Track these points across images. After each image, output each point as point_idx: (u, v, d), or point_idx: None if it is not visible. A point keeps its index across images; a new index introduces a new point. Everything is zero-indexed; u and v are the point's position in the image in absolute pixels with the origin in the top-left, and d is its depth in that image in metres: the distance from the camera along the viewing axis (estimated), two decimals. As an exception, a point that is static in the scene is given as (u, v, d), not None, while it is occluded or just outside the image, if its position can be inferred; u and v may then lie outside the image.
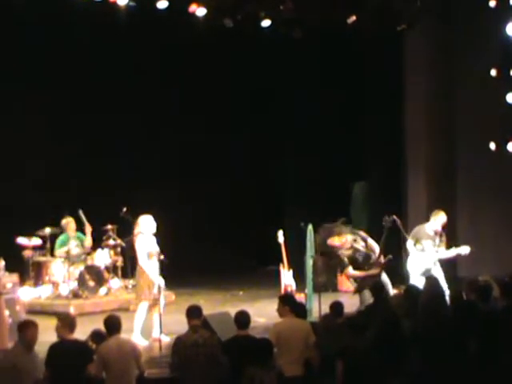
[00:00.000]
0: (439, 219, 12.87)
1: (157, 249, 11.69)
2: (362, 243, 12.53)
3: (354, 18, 15.82)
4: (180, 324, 8.89)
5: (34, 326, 8.64)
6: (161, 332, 11.46)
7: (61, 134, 16.64)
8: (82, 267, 14.42)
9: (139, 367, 8.72)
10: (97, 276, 14.49)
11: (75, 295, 14.19)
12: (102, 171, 16.82)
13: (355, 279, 12.53)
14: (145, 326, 11.85)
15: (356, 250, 12.45)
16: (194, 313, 8.97)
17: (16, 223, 14.87)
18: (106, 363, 8.45)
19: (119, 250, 15.06)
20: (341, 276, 14.32)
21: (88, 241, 14.69)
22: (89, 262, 14.61)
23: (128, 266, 14.67)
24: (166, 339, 11.31)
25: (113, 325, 8.71)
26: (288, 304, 9.64)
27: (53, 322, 11.62)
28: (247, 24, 15.43)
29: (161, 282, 11.67)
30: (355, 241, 12.50)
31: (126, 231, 13.86)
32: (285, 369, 8.92)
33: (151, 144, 17.70)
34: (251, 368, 8.11)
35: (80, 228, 14.81)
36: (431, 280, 10.38)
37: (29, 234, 14.65)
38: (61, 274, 14.48)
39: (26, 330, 8.59)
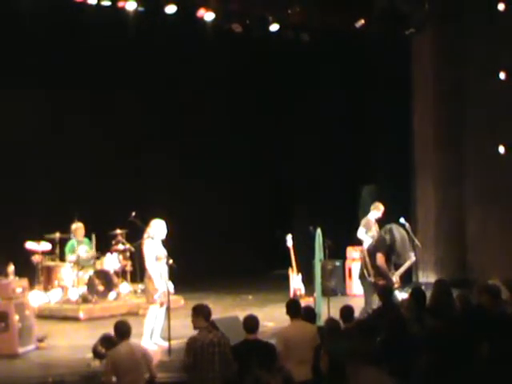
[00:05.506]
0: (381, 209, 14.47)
1: (165, 253, 11.63)
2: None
3: (362, 21, 15.85)
4: (189, 328, 8.87)
5: None
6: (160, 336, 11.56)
7: (70, 139, 16.64)
8: (91, 272, 14.45)
9: (150, 372, 8.69)
10: (106, 280, 14.51)
11: (84, 300, 14.18)
12: (111, 176, 16.81)
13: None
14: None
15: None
16: (202, 312, 8.84)
17: (25, 228, 14.87)
18: (117, 369, 8.44)
19: (128, 254, 15.08)
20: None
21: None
22: (98, 267, 14.63)
23: (137, 271, 14.69)
24: (164, 344, 11.31)
25: (123, 330, 8.67)
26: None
27: (62, 326, 11.66)
28: (255, 28, 15.48)
29: (170, 286, 11.59)
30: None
31: (134, 236, 13.86)
32: (294, 373, 8.89)
33: (159, 147, 17.70)
34: (257, 370, 8.08)
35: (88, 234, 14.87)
36: (440, 283, 10.33)
37: (38, 238, 14.67)
38: (70, 278, 14.50)
39: None
